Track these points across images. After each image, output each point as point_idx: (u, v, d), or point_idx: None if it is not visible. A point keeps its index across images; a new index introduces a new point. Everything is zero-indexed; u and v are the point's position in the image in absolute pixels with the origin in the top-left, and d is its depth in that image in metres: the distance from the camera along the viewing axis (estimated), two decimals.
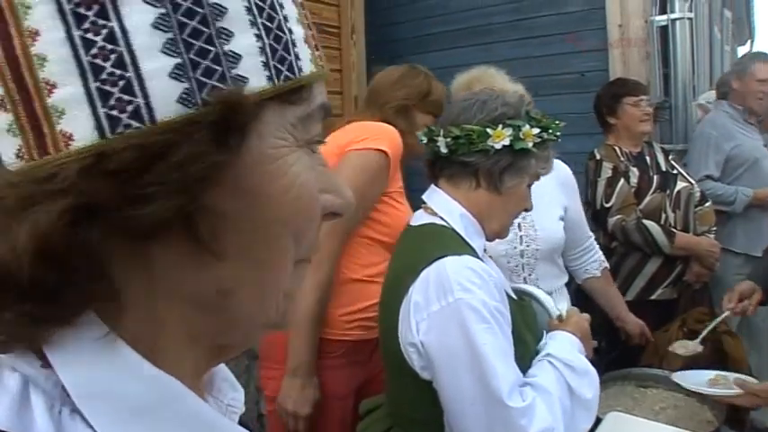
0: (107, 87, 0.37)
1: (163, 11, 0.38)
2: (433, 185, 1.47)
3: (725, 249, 3.09)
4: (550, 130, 1.41)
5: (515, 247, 2.10)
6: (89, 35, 0.37)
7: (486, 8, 4.03)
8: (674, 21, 3.89)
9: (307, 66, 0.46)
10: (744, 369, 2.57)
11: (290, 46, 0.45)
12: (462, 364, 1.21)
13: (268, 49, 0.43)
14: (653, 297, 2.82)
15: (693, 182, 3.01)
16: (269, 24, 0.44)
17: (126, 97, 0.38)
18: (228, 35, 0.41)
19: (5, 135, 0.38)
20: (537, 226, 2.10)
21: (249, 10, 0.42)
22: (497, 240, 1.53)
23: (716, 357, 2.34)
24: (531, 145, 1.37)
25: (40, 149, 0.37)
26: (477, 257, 1.34)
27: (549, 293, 2.08)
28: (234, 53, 0.41)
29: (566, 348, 1.38)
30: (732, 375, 2.14)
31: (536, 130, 1.37)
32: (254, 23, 0.43)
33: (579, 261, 2.42)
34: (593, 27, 3.75)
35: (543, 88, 3.44)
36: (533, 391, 1.25)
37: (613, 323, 2.66)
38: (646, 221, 2.76)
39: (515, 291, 1.55)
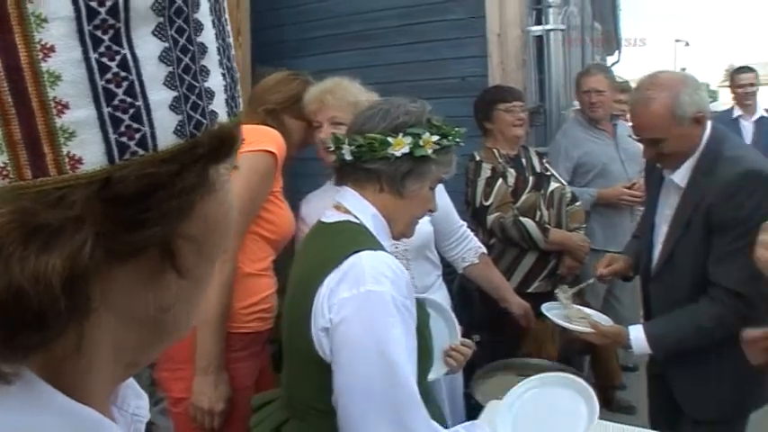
0: (119, 114, 0.38)
1: (166, 45, 0.40)
2: (345, 186, 1.53)
3: None
4: (450, 137, 1.50)
5: None
6: (104, 59, 0.37)
7: (372, 13, 4.08)
8: (548, 31, 4.11)
9: (241, 101, 0.49)
10: (610, 353, 2.79)
11: (236, 83, 0.48)
12: (364, 349, 1.26)
13: (229, 87, 0.46)
14: (530, 290, 2.98)
15: (565, 183, 3.21)
16: (228, 64, 0.46)
17: (135, 125, 0.38)
18: (207, 73, 0.43)
19: None
20: None
21: (218, 50, 0.45)
22: None
23: (586, 343, 2.49)
24: (430, 152, 1.45)
25: (35, 169, 0.36)
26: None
27: (428, 288, 2.20)
28: (210, 90, 0.44)
29: None
30: (595, 314, 2.38)
31: (435, 138, 1.45)
32: (221, 63, 0.45)
33: (455, 251, 2.52)
34: (474, 34, 3.89)
35: (427, 92, 3.51)
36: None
37: (494, 317, 2.79)
38: (522, 218, 2.93)
39: (425, 301, 1.66)
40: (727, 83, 6.01)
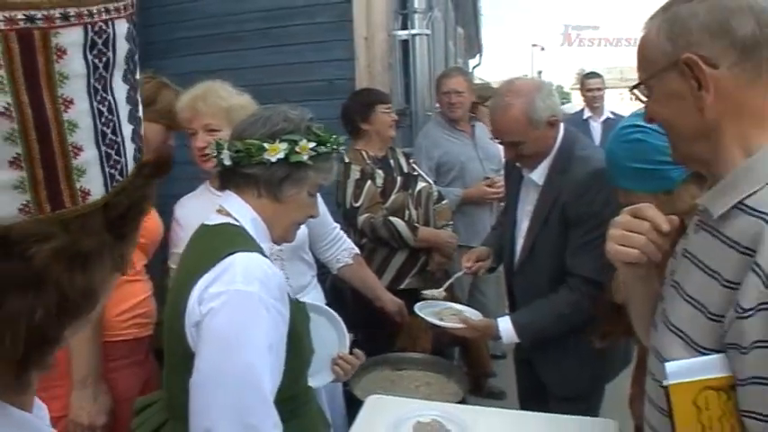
0: (110, 150, 0.46)
1: (128, 87, 0.47)
2: (227, 191, 1.56)
3: None
4: (328, 144, 1.55)
5: None
6: (100, 106, 0.44)
7: (239, 15, 4.05)
8: (414, 36, 4.25)
9: None
10: (480, 343, 2.94)
11: None
12: (222, 346, 1.30)
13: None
14: (402, 287, 3.08)
15: (431, 182, 3.35)
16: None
17: (118, 158, 0.47)
18: (138, 104, 0.51)
19: (11, 191, 0.41)
20: None
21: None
22: None
23: (456, 336, 2.61)
24: (306, 158, 1.50)
25: (54, 204, 0.42)
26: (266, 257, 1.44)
27: (303, 288, 2.22)
28: (141, 119, 0.52)
29: None
30: (465, 309, 2.48)
31: (312, 144, 1.51)
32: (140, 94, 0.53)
33: (330, 252, 2.56)
34: (342, 38, 3.95)
35: (293, 95, 3.52)
36: None
37: (368, 315, 2.85)
38: (392, 218, 3.01)
39: (310, 306, 1.69)
40: (579, 86, 6.50)
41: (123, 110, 0.47)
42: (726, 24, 1.00)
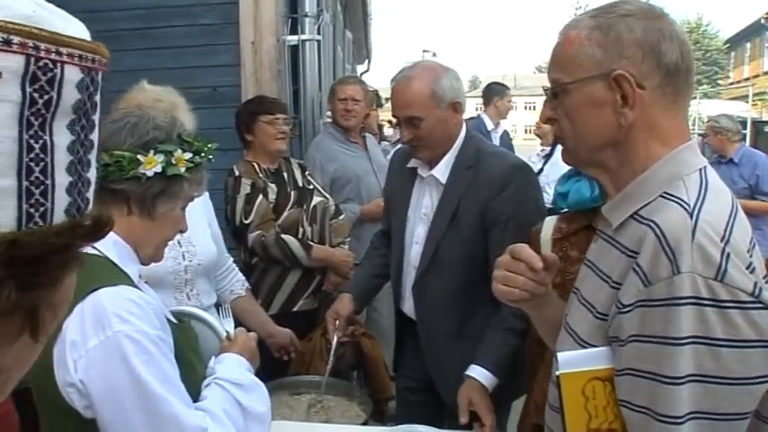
0: (33, 188, 0.48)
1: (73, 138, 0.51)
2: None
3: None
4: (203, 153, 1.53)
5: (180, 263, 2.23)
6: (32, 141, 0.48)
7: (113, 12, 4.00)
8: (304, 41, 4.34)
9: None
10: (380, 365, 3.04)
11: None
12: (128, 397, 1.27)
13: (96, 180, 0.58)
14: (295, 309, 3.16)
15: (328, 196, 3.44)
16: (97, 157, 0.58)
17: (41, 200, 0.49)
18: (89, 165, 0.55)
19: None
20: (194, 241, 2.26)
21: (96, 146, 0.57)
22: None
23: (356, 358, 2.73)
24: (183, 170, 1.47)
25: None
26: (134, 285, 1.41)
27: (207, 309, 2.27)
28: (89, 180, 0.55)
29: (233, 369, 1.55)
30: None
31: (188, 155, 1.48)
32: (96, 158, 0.57)
33: (224, 282, 2.62)
34: (227, 42, 3.99)
35: None
36: (206, 416, 1.37)
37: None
38: (284, 236, 3.07)
39: (178, 314, 1.67)
40: (472, 92, 6.99)
41: (62, 156, 0.50)
42: (657, 46, 1.15)
